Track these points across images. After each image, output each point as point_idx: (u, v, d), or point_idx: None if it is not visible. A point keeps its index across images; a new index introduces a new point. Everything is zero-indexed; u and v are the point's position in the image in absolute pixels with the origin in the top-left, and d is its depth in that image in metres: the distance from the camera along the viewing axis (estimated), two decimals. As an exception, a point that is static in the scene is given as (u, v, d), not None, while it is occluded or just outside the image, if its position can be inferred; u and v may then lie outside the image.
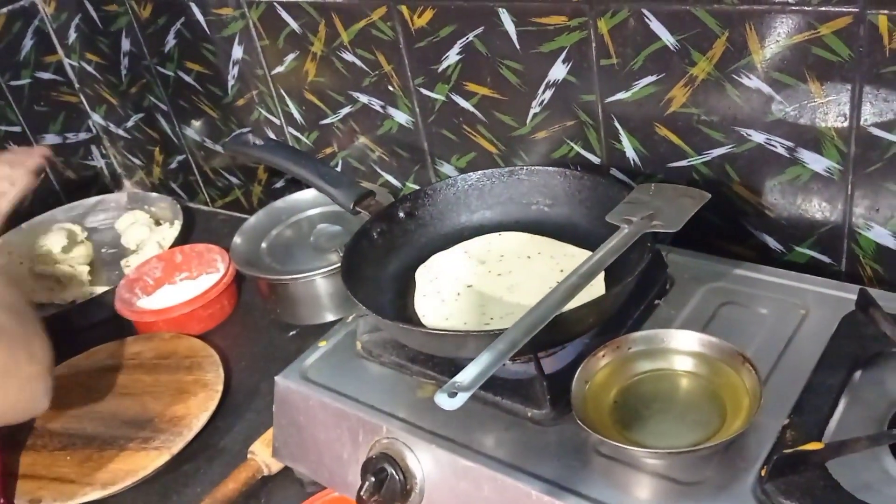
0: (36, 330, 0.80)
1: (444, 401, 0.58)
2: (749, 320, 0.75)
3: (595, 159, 0.92)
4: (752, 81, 0.77)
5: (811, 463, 0.58)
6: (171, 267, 1.22)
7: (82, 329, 1.20)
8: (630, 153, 0.88)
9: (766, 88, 0.76)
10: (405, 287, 0.84)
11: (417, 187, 1.12)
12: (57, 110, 1.50)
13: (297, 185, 1.27)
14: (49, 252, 1.29)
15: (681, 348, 0.68)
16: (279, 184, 1.33)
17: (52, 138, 1.51)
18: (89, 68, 1.46)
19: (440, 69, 0.97)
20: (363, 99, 1.09)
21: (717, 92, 0.79)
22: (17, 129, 1.45)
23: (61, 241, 1.31)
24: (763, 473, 0.59)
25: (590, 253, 0.81)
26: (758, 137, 0.79)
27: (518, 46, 0.88)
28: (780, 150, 0.79)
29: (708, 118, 0.81)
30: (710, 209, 0.76)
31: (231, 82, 1.24)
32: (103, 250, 1.41)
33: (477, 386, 0.59)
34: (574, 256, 0.82)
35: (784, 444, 0.61)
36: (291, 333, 1.10)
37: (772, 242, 0.86)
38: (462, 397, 0.58)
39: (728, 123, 0.80)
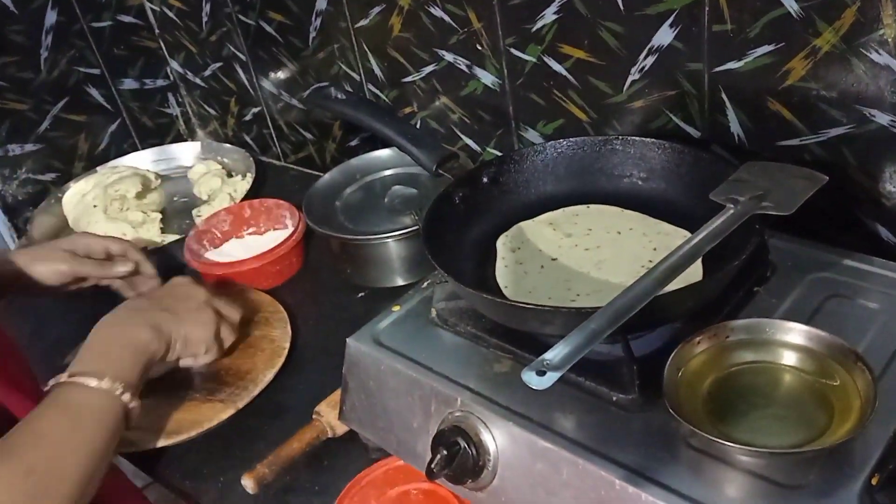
0: None
1: (532, 379, 0.54)
2: (858, 315, 0.69)
3: (694, 133, 0.86)
4: (881, 57, 0.70)
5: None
6: (240, 221, 1.21)
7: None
8: (735, 128, 0.83)
9: (898, 66, 0.70)
10: (485, 255, 0.81)
11: (498, 153, 1.08)
12: (136, 55, 1.50)
13: (371, 144, 1.24)
14: (123, 197, 1.29)
15: (786, 340, 0.63)
16: (354, 142, 1.31)
17: (129, 83, 1.51)
18: (170, 14, 1.44)
19: (534, 29, 0.92)
20: (448, 57, 1.04)
21: (840, 66, 0.73)
22: (96, 71, 1.45)
23: (136, 186, 1.30)
24: (874, 482, 0.54)
25: (685, 232, 0.77)
26: (882, 119, 0.73)
27: (622, 7, 0.83)
28: (906, 134, 0.72)
29: (828, 94, 0.75)
30: (820, 193, 0.70)
31: (312, 34, 1.20)
32: (175, 199, 1.41)
33: (568, 366, 0.55)
34: (669, 235, 0.77)
35: (897, 453, 0.56)
36: (360, 295, 1.08)
37: (884, 233, 0.79)
38: (551, 377, 0.54)
39: (850, 101, 0.74)
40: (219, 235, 1.20)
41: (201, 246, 1.18)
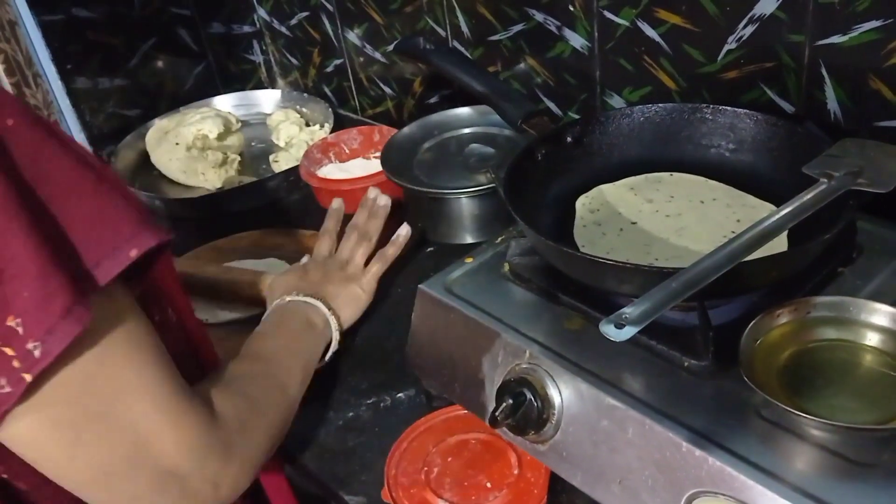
0: None
1: (610, 330, 0.54)
2: (946, 304, 0.67)
3: (788, 108, 0.84)
4: None
5: None
6: (369, 143, 1.26)
7: (229, 215, 1.22)
8: (832, 105, 0.80)
9: None
10: (564, 214, 0.81)
11: (579, 117, 1.07)
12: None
13: (450, 102, 1.24)
14: (205, 137, 1.32)
15: (870, 321, 0.62)
16: (433, 99, 1.31)
17: (217, 27, 1.53)
18: (262, -40, 1.46)
19: (630, -9, 0.91)
20: (538, 17, 1.03)
21: (952, 46, 0.70)
22: (186, 12, 1.48)
23: (217, 127, 1.33)
24: (952, 468, 0.53)
25: (771, 206, 0.76)
26: None
27: (726, -28, 0.81)
28: None
29: (935, 75, 0.72)
30: (916, 177, 0.68)
31: (402, -13, 1.21)
32: (253, 144, 1.44)
33: (646, 322, 0.55)
34: (755, 208, 0.75)
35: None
36: (429, 249, 1.09)
37: (980, 224, 0.77)
38: (630, 330, 0.54)
39: (958, 84, 0.71)
40: (346, 151, 1.25)
41: (325, 157, 1.24)
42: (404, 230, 0.95)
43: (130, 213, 0.51)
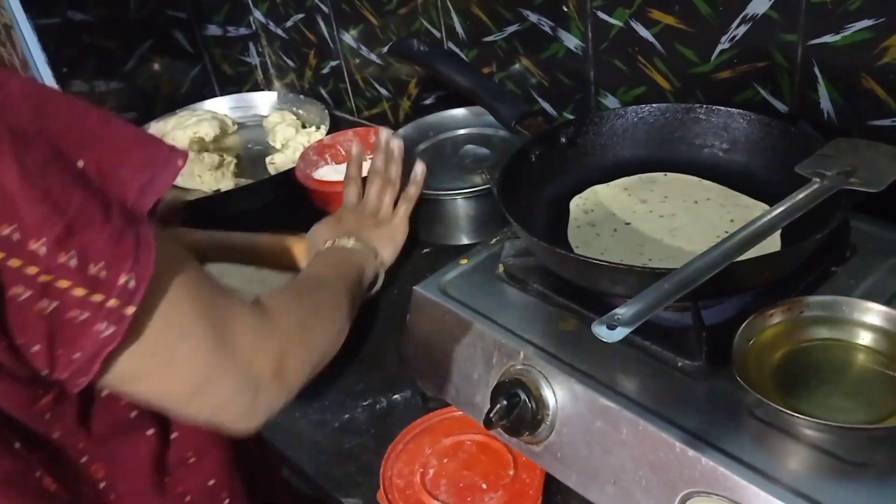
0: None
1: (602, 331, 0.54)
2: (939, 303, 0.67)
3: (781, 107, 0.84)
4: None
5: None
6: (365, 145, 1.24)
7: (224, 218, 1.22)
8: (825, 104, 0.80)
9: None
10: (558, 215, 0.81)
11: (573, 118, 1.07)
12: (222, 2, 1.52)
13: (446, 103, 1.24)
14: (201, 139, 1.32)
15: (863, 321, 0.62)
16: (428, 100, 1.31)
17: (213, 29, 1.53)
18: (257, -38, 1.46)
19: (624, -8, 0.91)
20: (533, 18, 1.03)
21: (944, 45, 0.70)
22: (182, 15, 1.48)
23: (214, 129, 1.33)
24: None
25: (765, 206, 0.76)
26: (984, 102, 0.70)
27: (719, -28, 0.81)
28: None
29: (928, 74, 0.72)
30: (909, 176, 0.68)
31: (397, -12, 1.21)
32: (249, 146, 1.43)
33: (638, 323, 0.55)
34: (748, 208, 0.76)
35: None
36: (425, 251, 1.09)
37: (974, 223, 0.77)
38: (622, 332, 0.55)
39: (951, 82, 0.71)
40: (342, 153, 1.25)
41: (321, 158, 1.24)
42: (419, 168, 0.98)
43: (151, 136, 0.52)
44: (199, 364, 0.54)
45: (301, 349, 0.63)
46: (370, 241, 0.89)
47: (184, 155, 0.51)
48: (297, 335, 0.63)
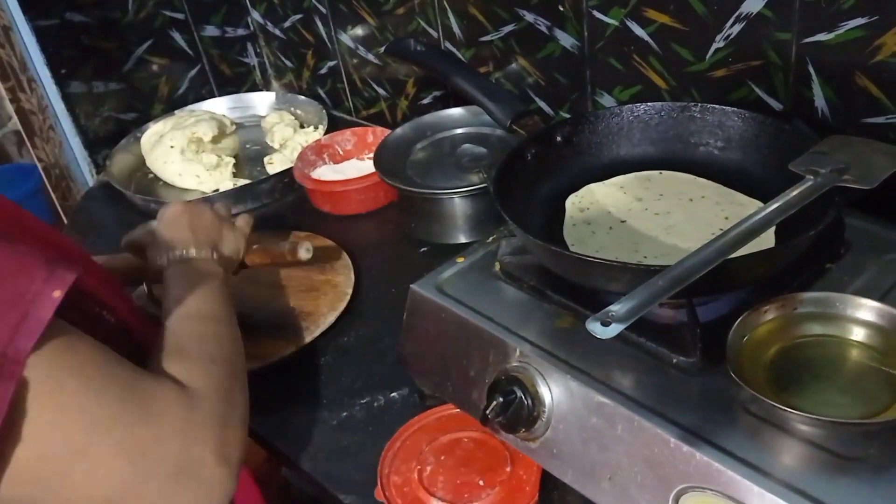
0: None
1: (596, 328, 0.55)
2: (933, 299, 0.68)
3: (776, 105, 0.84)
4: (982, 35, 0.68)
5: None
6: (362, 144, 1.27)
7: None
8: (819, 102, 0.81)
9: None
10: (554, 214, 0.81)
11: (569, 117, 1.07)
12: (219, 3, 1.53)
13: (443, 102, 1.25)
14: (199, 140, 1.32)
15: (857, 316, 0.62)
16: (426, 100, 1.31)
17: (211, 30, 1.54)
18: (255, -37, 1.47)
19: (619, -9, 0.91)
20: (529, 17, 1.04)
21: (937, 43, 0.70)
22: (180, 15, 1.49)
23: (212, 130, 1.33)
24: (937, 461, 0.53)
25: (759, 203, 0.76)
26: (977, 100, 0.71)
27: (713, -29, 0.82)
28: None
29: (920, 71, 0.73)
30: (903, 173, 0.68)
31: (394, -12, 1.21)
32: (247, 146, 1.44)
33: (632, 320, 0.56)
34: (743, 206, 0.76)
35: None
36: (423, 250, 1.09)
37: (967, 220, 0.77)
38: (616, 328, 0.55)
39: (943, 80, 0.72)
40: (340, 153, 1.27)
41: (319, 158, 1.25)
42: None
43: (21, 263, 0.49)
44: (105, 488, 0.52)
45: (233, 415, 0.62)
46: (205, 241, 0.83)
47: (62, 283, 0.48)
48: (224, 406, 0.61)
